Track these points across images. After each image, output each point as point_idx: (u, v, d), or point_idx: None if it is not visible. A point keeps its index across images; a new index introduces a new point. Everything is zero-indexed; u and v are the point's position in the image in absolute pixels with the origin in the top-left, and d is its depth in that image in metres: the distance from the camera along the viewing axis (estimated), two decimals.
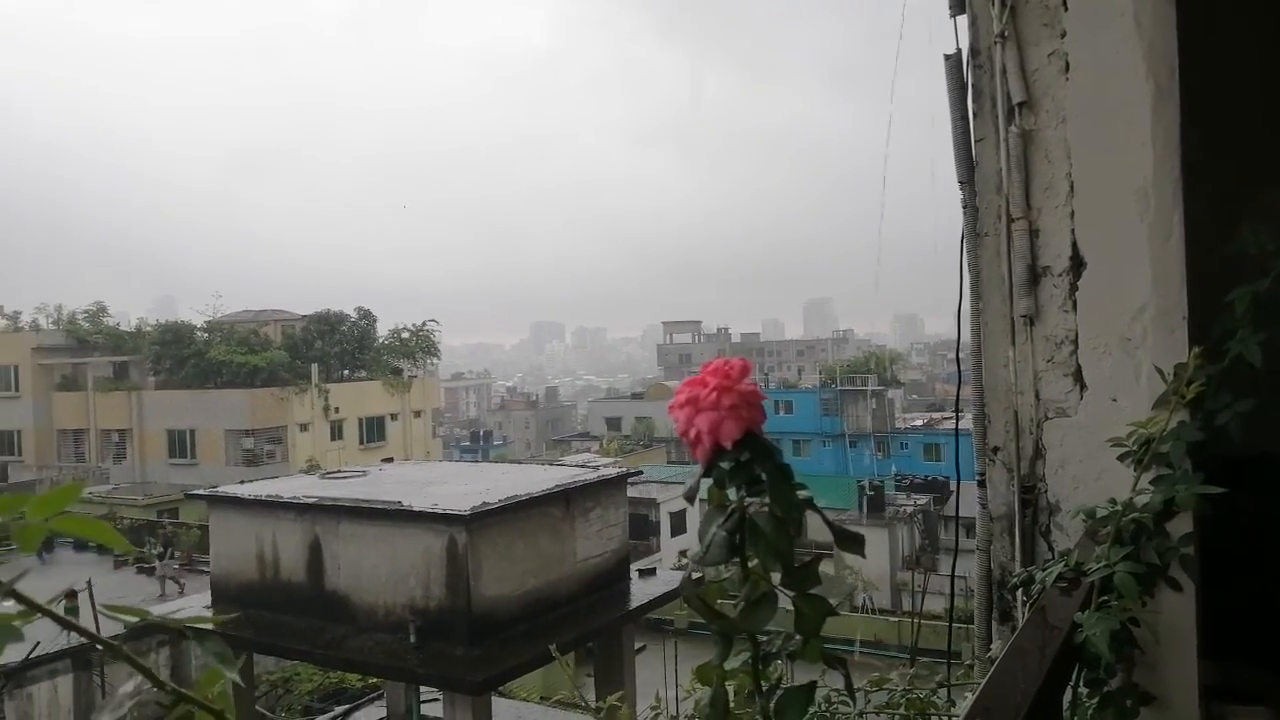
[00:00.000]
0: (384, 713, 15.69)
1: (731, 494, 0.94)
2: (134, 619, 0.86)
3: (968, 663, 3.00)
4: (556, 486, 13.12)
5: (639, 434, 70.70)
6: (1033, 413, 2.87)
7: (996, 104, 2.97)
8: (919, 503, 39.95)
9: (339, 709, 17.58)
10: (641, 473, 23.99)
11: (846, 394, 58.90)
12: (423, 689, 13.76)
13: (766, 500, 0.91)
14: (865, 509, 36.97)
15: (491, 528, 11.76)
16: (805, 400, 60.12)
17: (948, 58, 3.18)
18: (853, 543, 0.95)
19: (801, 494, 0.91)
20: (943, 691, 2.69)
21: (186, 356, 46.63)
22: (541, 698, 18.15)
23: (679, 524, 37.98)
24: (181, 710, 0.88)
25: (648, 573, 14.90)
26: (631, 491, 21.69)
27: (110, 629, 1.02)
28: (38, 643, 20.25)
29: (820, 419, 58.53)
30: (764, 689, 0.96)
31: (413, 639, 11.37)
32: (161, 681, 0.86)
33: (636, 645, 15.37)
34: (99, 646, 0.93)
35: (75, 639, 20.07)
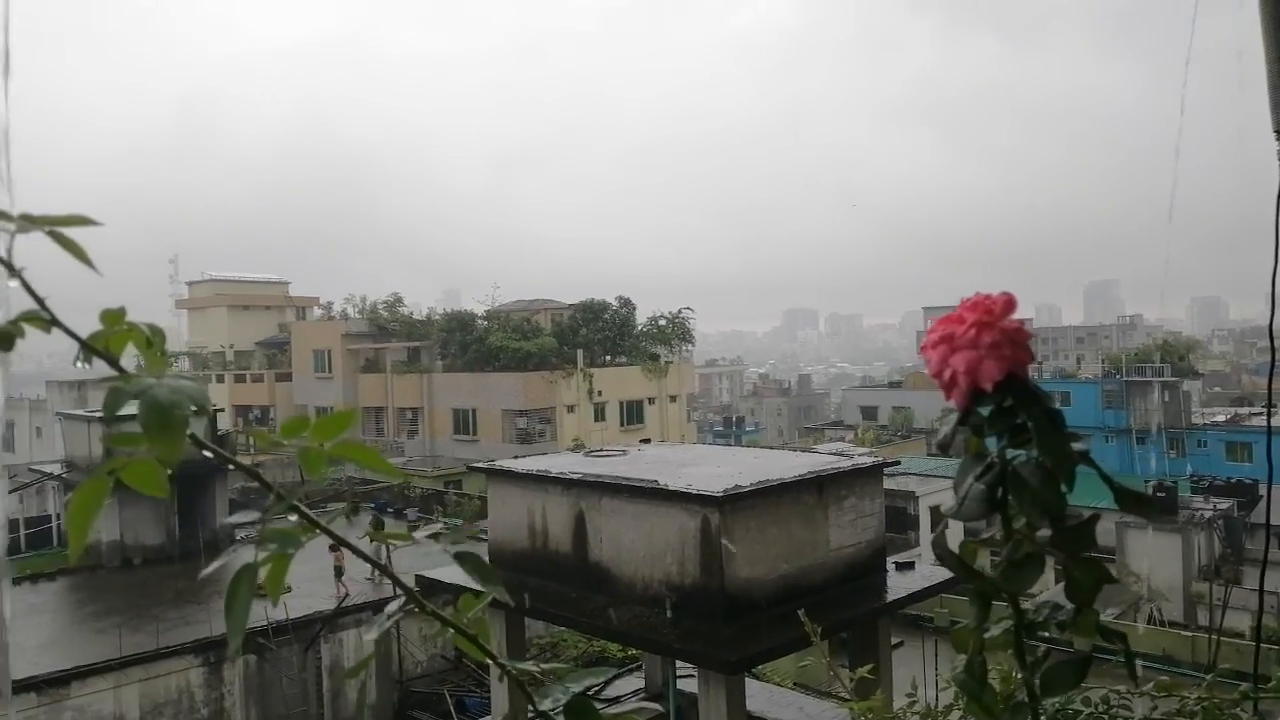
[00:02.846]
0: (642, 683, 16.28)
1: (991, 443, 0.85)
2: (402, 542, 0.92)
3: None
4: (809, 473, 12.94)
5: (896, 424, 68.37)
6: None
7: None
8: (1220, 507, 35.65)
9: (612, 672, 18.41)
10: (899, 463, 23.14)
11: (1133, 386, 53.71)
12: (678, 663, 14.12)
13: (1032, 451, 0.82)
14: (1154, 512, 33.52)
15: (744, 510, 11.81)
16: (1085, 392, 55.49)
17: None
18: (1138, 503, 0.84)
19: (1075, 446, 0.81)
20: (1248, 705, 2.36)
21: (469, 342, 50.71)
22: (795, 684, 18.06)
23: (939, 518, 36.34)
24: (440, 631, 0.94)
25: (905, 566, 14.35)
26: (888, 483, 20.97)
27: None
28: (346, 594, 22.94)
29: (1102, 412, 53.81)
30: (1028, 661, 0.87)
31: (668, 614, 11.68)
32: (423, 602, 0.92)
33: (893, 640, 14.89)
34: (394, 584, 1.02)
35: (375, 595, 22.50)
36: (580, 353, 48.81)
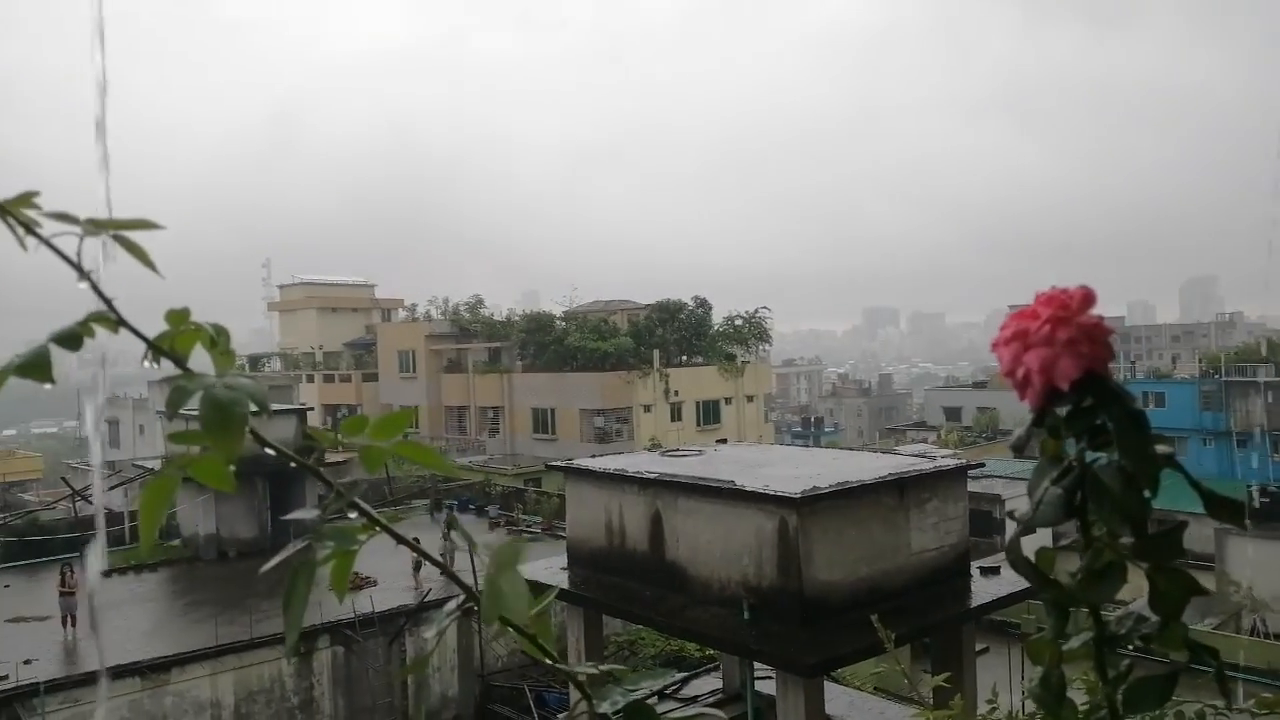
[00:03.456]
0: (720, 684, 16.21)
1: (1069, 445, 0.81)
2: (465, 544, 0.93)
3: None
4: (890, 475, 12.72)
5: (981, 425, 66.72)
6: None
7: None
8: None
9: (679, 675, 18.43)
10: (984, 465, 22.50)
11: (1234, 386, 51.27)
12: (756, 665, 14.02)
13: (1112, 453, 0.77)
14: (1257, 518, 31.97)
15: (823, 512, 11.67)
16: (1181, 392, 53.20)
17: None
18: (1227, 509, 0.79)
19: (1159, 449, 0.76)
20: None
21: (548, 343, 51.29)
22: (875, 689, 17.75)
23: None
24: (498, 630, 0.93)
25: (990, 571, 13.99)
26: (973, 486, 20.41)
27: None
28: (429, 589, 23.41)
29: (1199, 414, 51.50)
30: (1110, 675, 0.82)
31: (745, 615, 11.61)
32: (478, 597, 0.92)
33: (977, 647, 14.52)
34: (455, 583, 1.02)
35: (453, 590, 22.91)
36: (657, 353, 48.89)
